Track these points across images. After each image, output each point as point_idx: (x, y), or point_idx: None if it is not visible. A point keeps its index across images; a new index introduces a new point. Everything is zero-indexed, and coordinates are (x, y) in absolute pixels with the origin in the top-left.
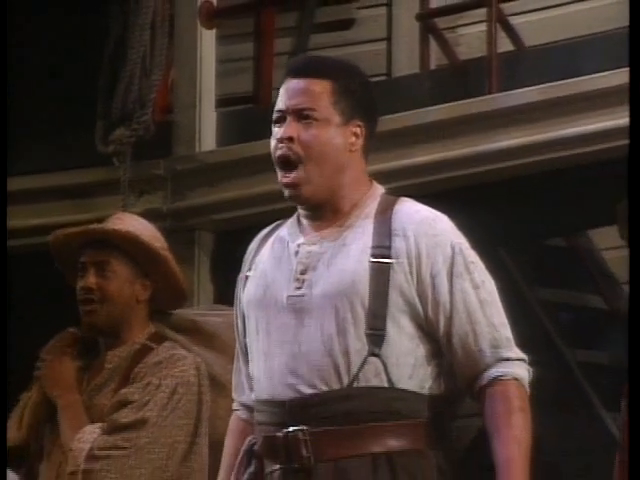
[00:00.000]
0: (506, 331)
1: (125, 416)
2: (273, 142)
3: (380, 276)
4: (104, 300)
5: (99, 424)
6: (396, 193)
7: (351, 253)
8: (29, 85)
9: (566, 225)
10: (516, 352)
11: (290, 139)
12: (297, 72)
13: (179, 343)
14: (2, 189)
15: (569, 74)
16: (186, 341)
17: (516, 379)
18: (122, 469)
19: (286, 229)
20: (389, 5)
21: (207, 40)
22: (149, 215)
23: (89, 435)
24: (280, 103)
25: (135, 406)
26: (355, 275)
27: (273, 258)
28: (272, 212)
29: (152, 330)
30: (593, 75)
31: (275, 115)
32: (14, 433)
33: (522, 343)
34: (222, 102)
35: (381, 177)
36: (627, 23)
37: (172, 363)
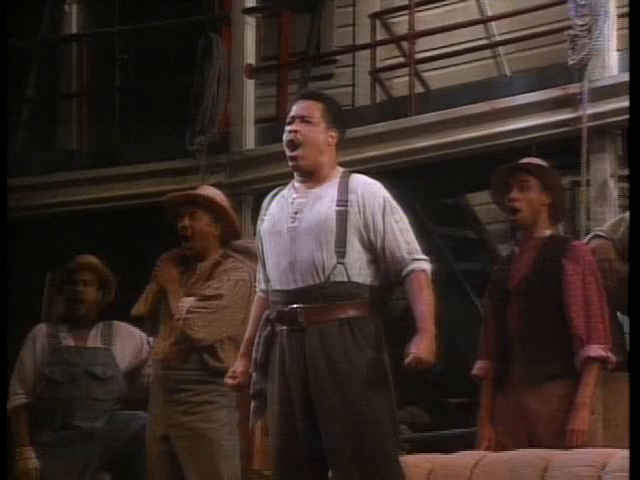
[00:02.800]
0: (415, 245)
1: (209, 292)
2: (285, 134)
3: (341, 217)
4: (194, 235)
5: (193, 297)
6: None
7: (324, 203)
8: (148, 104)
9: (451, 190)
10: (422, 256)
11: (295, 131)
12: (303, 96)
13: (237, 259)
14: (2, 188)
15: (457, 104)
16: (240, 257)
17: (423, 270)
18: (206, 320)
19: (285, 190)
20: (354, 65)
21: (249, 85)
22: (217, 186)
23: (187, 302)
24: (292, 112)
25: (214, 288)
26: (327, 216)
27: (278, 206)
28: (285, 184)
29: (222, 252)
30: (470, 106)
31: (288, 119)
32: (142, 308)
33: (425, 254)
34: (258, 121)
35: (345, 164)
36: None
37: (234, 269)
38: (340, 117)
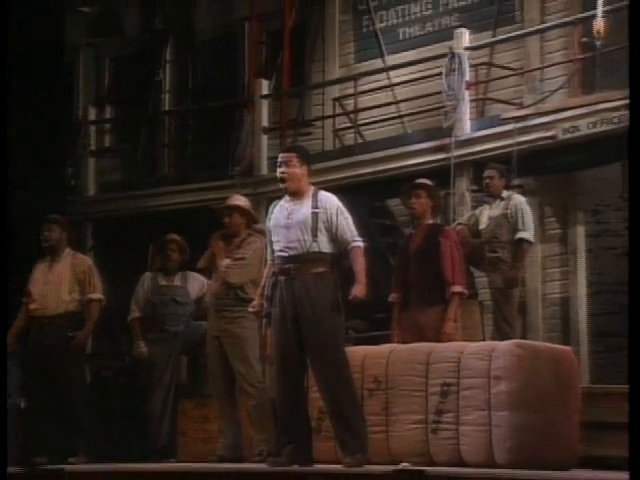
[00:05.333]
0: (355, 232)
1: (239, 255)
2: (277, 172)
3: (314, 216)
4: (231, 224)
5: (230, 259)
6: (317, 187)
7: (304, 209)
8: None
9: (378, 198)
10: (358, 238)
11: (283, 172)
12: (285, 149)
13: (256, 236)
14: (2, 189)
15: (380, 149)
16: (258, 235)
17: (359, 247)
18: (237, 271)
19: (282, 201)
20: (323, 127)
21: (264, 138)
22: (245, 195)
23: (227, 261)
24: (279, 159)
25: (242, 254)
26: (306, 216)
27: (278, 211)
28: (282, 197)
29: (247, 232)
30: (388, 150)
31: (278, 163)
32: (203, 264)
33: (361, 235)
34: (268, 158)
35: (316, 184)
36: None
37: (253, 242)
38: (308, 158)
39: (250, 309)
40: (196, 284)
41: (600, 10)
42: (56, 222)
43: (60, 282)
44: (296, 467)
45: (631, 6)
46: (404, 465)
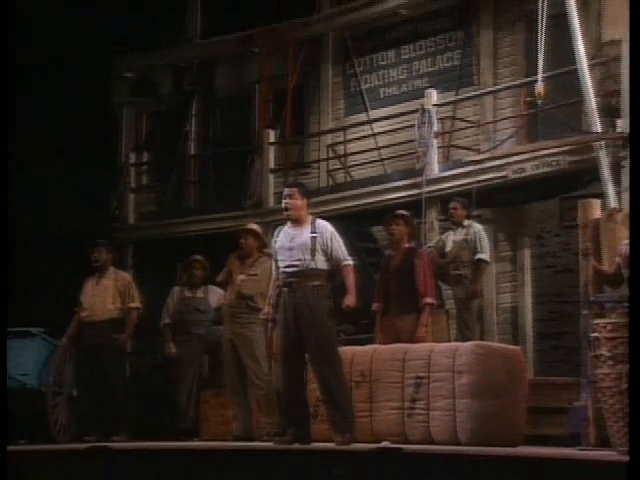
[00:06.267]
0: (346, 253)
1: (251, 272)
2: (282, 204)
3: (312, 240)
4: (246, 246)
5: (244, 274)
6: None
7: (304, 234)
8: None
9: (364, 225)
10: (349, 258)
11: (287, 203)
12: (289, 185)
13: (265, 257)
14: (3, 191)
15: (365, 186)
16: (267, 256)
17: (349, 265)
18: (249, 285)
19: (285, 227)
20: (319, 168)
21: (271, 177)
22: (256, 223)
23: (241, 277)
24: (285, 192)
25: (253, 271)
26: (306, 240)
27: (283, 235)
28: (285, 223)
29: (258, 254)
30: (370, 187)
31: (283, 196)
32: (221, 278)
33: (350, 255)
34: (275, 193)
35: (314, 213)
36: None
37: (263, 262)
38: (307, 193)
39: (261, 316)
40: (215, 296)
41: (540, 76)
42: (103, 246)
43: (105, 294)
44: (297, 445)
45: (631, 7)
46: (385, 443)
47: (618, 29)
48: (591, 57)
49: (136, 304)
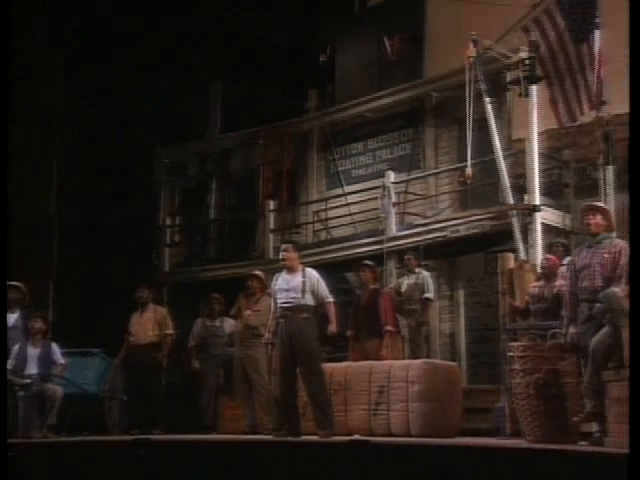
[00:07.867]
0: (328, 293)
1: (255, 309)
2: (280, 256)
3: (303, 284)
4: (252, 287)
5: (249, 310)
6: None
7: (296, 279)
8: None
9: (339, 271)
10: (330, 296)
11: (284, 256)
12: (285, 242)
13: (267, 296)
14: (3, 195)
15: (340, 243)
16: (268, 296)
17: (331, 302)
18: (254, 318)
19: (282, 274)
20: (306, 228)
21: (271, 235)
22: (260, 270)
23: (247, 311)
24: (282, 248)
25: (257, 307)
26: (298, 284)
27: (280, 280)
28: (282, 271)
29: (261, 293)
30: (345, 243)
31: (281, 250)
32: (233, 312)
33: (331, 293)
34: (274, 247)
35: (304, 263)
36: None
37: (266, 300)
38: (299, 248)
39: (263, 341)
40: (229, 325)
41: (469, 162)
42: (145, 287)
43: (147, 324)
44: (290, 438)
45: (631, 12)
46: (356, 436)
47: (523, 130)
48: (505, 150)
49: (170, 331)
